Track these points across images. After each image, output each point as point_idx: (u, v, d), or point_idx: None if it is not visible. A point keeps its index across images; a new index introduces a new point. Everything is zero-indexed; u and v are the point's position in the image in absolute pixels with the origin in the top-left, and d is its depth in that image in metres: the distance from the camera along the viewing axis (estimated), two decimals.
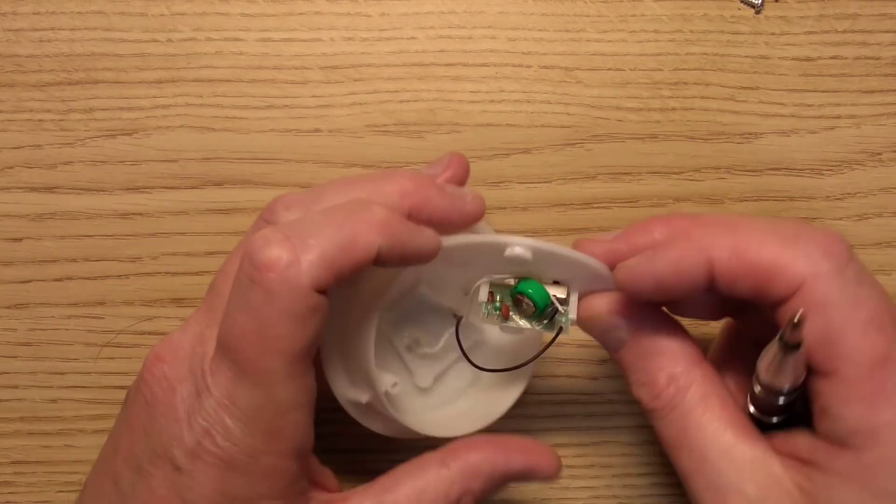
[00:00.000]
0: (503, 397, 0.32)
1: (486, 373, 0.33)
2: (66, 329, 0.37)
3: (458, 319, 0.31)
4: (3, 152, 0.37)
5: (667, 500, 0.37)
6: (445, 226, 0.29)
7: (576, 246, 0.29)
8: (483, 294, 0.29)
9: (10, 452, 0.37)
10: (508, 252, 0.28)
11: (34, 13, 0.37)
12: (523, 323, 0.29)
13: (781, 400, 0.26)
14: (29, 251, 0.37)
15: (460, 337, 0.31)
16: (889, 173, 0.37)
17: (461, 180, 0.31)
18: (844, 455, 0.25)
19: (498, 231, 0.31)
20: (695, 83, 0.38)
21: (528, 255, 0.28)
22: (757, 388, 0.27)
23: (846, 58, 0.38)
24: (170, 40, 0.37)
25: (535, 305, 0.29)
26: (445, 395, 0.33)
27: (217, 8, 0.38)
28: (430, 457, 0.28)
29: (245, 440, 0.25)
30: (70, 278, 0.37)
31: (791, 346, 0.24)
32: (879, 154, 0.37)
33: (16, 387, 0.37)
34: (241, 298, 0.25)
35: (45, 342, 0.37)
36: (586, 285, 0.29)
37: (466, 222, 0.29)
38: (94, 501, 0.28)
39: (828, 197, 0.37)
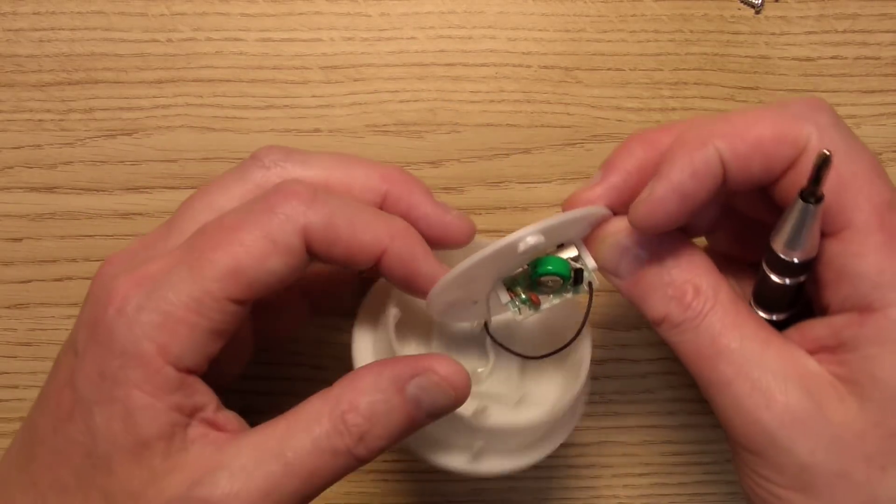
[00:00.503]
0: (577, 372, 0.31)
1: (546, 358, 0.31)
2: (66, 329, 0.37)
3: (485, 325, 0.31)
4: (3, 152, 0.37)
5: (667, 500, 0.37)
6: (421, 226, 0.28)
7: (570, 203, 0.28)
8: (503, 296, 0.29)
9: None
10: (522, 246, 0.27)
11: (34, 13, 0.37)
12: (556, 300, 0.29)
13: (788, 281, 0.26)
14: (29, 251, 0.37)
15: (495, 338, 0.30)
16: (889, 173, 0.37)
17: (462, 231, 0.29)
18: (871, 318, 0.24)
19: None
20: (695, 83, 0.38)
21: (541, 239, 0.27)
22: (767, 273, 0.26)
23: (846, 58, 0.38)
24: (170, 40, 0.37)
25: (561, 278, 0.28)
26: (527, 397, 0.32)
27: (217, 8, 0.38)
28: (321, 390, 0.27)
29: (134, 314, 0.24)
30: (70, 278, 0.37)
31: (814, 199, 0.24)
32: (879, 154, 0.37)
33: (16, 387, 0.37)
34: (243, 206, 0.26)
35: (45, 342, 0.37)
36: (586, 233, 0.29)
37: (444, 231, 0.28)
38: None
39: None
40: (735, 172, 0.25)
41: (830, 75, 0.38)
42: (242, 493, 0.24)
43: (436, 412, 0.26)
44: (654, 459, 0.37)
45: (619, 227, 0.28)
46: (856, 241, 0.24)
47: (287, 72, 0.37)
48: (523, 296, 0.29)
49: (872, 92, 0.38)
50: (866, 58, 0.38)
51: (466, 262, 0.27)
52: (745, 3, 0.38)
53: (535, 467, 0.37)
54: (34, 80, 0.37)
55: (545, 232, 0.27)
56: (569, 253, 0.29)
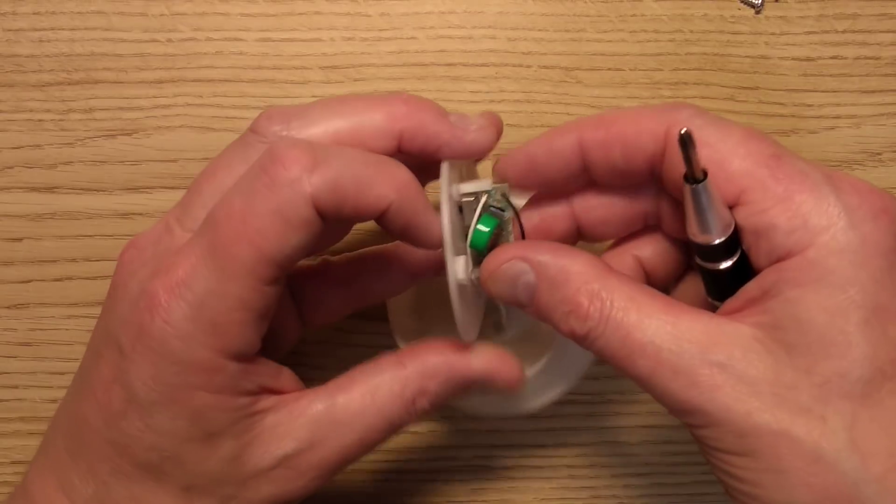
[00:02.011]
0: None
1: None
2: (66, 329, 0.37)
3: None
4: (3, 152, 0.37)
5: (667, 500, 0.37)
6: (445, 154, 0.28)
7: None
8: (470, 271, 0.28)
9: (10, 452, 0.37)
10: (462, 275, 0.27)
11: (34, 13, 0.37)
12: (512, 237, 0.29)
13: (724, 265, 0.26)
14: (29, 251, 0.37)
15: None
16: (889, 173, 0.37)
17: (485, 144, 0.29)
18: (791, 262, 0.24)
19: None
20: (695, 83, 0.38)
21: (463, 256, 0.27)
22: (703, 265, 0.27)
23: (846, 58, 0.38)
24: (170, 40, 0.37)
25: (496, 228, 0.28)
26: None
27: (217, 8, 0.38)
28: (387, 357, 0.28)
29: (183, 325, 0.25)
30: (70, 278, 0.37)
31: (696, 179, 0.24)
32: (879, 154, 0.37)
33: (16, 387, 0.37)
34: (244, 184, 0.26)
35: (45, 342, 0.37)
36: (458, 178, 0.29)
37: (468, 153, 0.28)
38: (70, 386, 0.29)
39: None
40: (598, 158, 0.28)
41: (830, 75, 0.38)
42: (324, 462, 0.27)
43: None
44: (654, 459, 0.37)
45: (501, 259, 0.27)
46: (756, 199, 0.25)
47: (287, 72, 0.37)
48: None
49: (872, 92, 0.38)
50: (866, 58, 0.38)
51: (456, 313, 0.27)
52: (745, 3, 0.38)
53: (537, 467, 0.37)
54: (34, 80, 0.37)
55: (455, 239, 0.27)
56: (471, 209, 0.29)
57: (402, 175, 0.27)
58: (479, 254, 0.28)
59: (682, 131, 0.23)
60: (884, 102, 0.38)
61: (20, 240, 0.37)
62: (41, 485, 0.27)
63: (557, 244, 0.28)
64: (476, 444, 0.37)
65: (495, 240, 0.29)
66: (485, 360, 0.28)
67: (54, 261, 0.37)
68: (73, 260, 0.37)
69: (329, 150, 0.26)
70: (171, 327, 0.25)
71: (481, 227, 0.28)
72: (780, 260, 0.24)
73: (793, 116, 0.37)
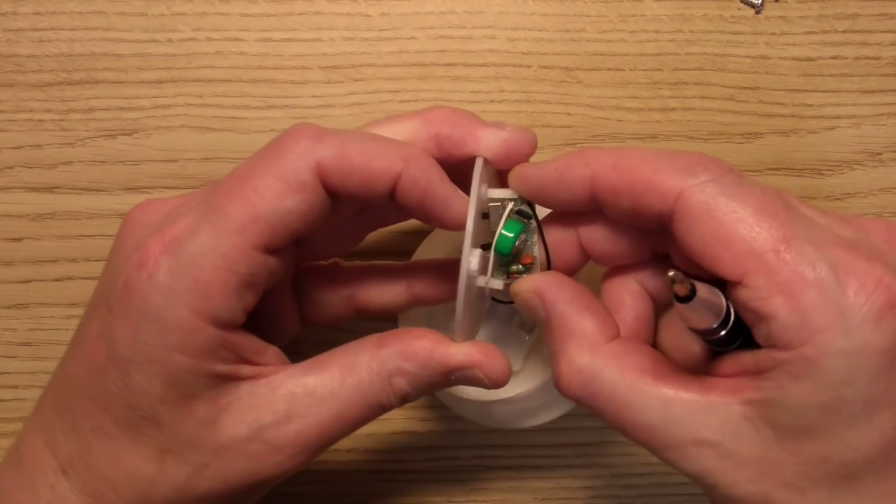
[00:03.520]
0: None
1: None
2: (66, 329, 0.37)
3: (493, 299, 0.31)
4: (3, 152, 0.37)
5: (666, 500, 0.37)
6: (481, 149, 0.28)
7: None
8: (500, 283, 0.29)
9: None
10: (476, 264, 0.27)
11: (34, 13, 0.37)
12: (533, 239, 0.29)
13: (722, 333, 0.26)
14: (29, 251, 0.37)
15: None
16: (889, 173, 0.38)
17: (521, 142, 0.28)
18: (787, 355, 0.24)
19: None
20: (695, 83, 0.38)
21: (476, 253, 0.27)
22: (699, 336, 0.27)
23: (846, 58, 0.38)
24: (170, 40, 0.37)
25: (521, 233, 0.28)
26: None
27: (217, 8, 0.38)
28: (369, 337, 0.28)
29: (166, 281, 0.25)
30: (70, 278, 0.37)
31: (686, 298, 0.24)
32: (879, 154, 0.37)
33: (16, 387, 0.37)
34: (258, 151, 0.26)
35: (45, 342, 0.37)
36: (487, 180, 0.29)
37: (504, 148, 0.28)
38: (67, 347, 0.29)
39: (828, 197, 0.37)
40: (607, 201, 0.27)
41: (830, 75, 0.38)
42: (300, 438, 0.27)
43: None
44: (654, 459, 0.37)
45: (526, 287, 0.28)
46: (759, 285, 0.24)
47: (287, 72, 0.37)
48: (519, 266, 0.29)
49: (872, 92, 0.38)
50: (866, 58, 0.38)
51: (458, 304, 0.27)
52: (745, 3, 0.38)
53: (537, 467, 0.37)
54: (34, 80, 0.37)
55: (474, 244, 0.27)
56: (497, 215, 0.28)
57: (411, 148, 0.27)
58: (504, 258, 0.28)
59: (671, 273, 0.24)
60: (884, 102, 0.38)
61: (20, 240, 0.37)
62: (30, 441, 0.28)
63: (579, 291, 0.27)
64: (476, 444, 0.37)
65: (521, 246, 0.28)
66: (467, 349, 0.28)
67: (54, 261, 0.37)
68: (73, 260, 0.37)
69: (339, 129, 0.27)
70: (154, 281, 0.25)
71: (506, 233, 0.28)
72: (775, 345, 0.25)
73: (793, 116, 0.37)
